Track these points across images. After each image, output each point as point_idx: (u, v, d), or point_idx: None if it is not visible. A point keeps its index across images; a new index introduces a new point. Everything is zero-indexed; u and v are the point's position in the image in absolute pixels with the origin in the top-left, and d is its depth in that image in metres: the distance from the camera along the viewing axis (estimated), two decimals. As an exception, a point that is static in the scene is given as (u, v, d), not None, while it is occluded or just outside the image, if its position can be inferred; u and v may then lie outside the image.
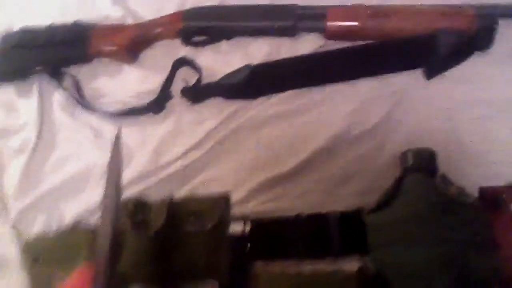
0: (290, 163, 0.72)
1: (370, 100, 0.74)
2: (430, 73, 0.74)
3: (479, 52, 0.73)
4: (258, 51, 0.80)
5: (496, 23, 0.72)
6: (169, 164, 0.75)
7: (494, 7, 0.76)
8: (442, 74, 0.74)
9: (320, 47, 0.78)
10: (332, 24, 0.75)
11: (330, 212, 0.65)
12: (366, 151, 0.72)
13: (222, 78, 0.77)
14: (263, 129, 0.75)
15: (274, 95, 0.77)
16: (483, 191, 0.63)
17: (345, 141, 0.72)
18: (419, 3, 0.77)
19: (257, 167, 0.73)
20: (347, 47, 0.76)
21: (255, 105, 0.76)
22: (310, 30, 0.78)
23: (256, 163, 0.74)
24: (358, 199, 0.69)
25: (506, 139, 0.69)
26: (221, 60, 0.80)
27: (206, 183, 0.74)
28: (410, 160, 0.62)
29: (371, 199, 0.66)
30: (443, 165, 0.61)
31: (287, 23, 0.77)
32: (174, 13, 0.81)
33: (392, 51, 0.74)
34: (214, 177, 0.74)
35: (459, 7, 0.75)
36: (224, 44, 0.81)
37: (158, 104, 0.78)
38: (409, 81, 0.74)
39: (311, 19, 0.77)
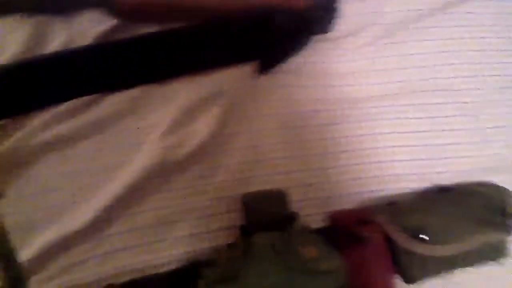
0: (85, 214, 0.48)
1: (191, 108, 0.54)
2: (264, 66, 0.56)
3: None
4: (9, 38, 0.50)
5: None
6: None
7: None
8: (276, 67, 0.57)
9: (111, 30, 0.52)
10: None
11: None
12: (188, 183, 0.52)
13: None
14: (33, 166, 0.49)
15: (43, 110, 0.50)
16: (335, 220, 0.53)
17: (160, 173, 0.51)
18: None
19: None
20: (151, 33, 0.52)
21: (12, 129, 0.49)
22: (93, 4, 0.52)
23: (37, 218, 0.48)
24: (187, 247, 0.51)
25: (361, 147, 0.58)
26: None
27: None
28: (256, 210, 0.45)
29: (204, 245, 0.52)
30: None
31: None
32: None
33: (213, 36, 0.54)
34: None
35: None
36: None
37: None
38: (238, 77, 0.56)
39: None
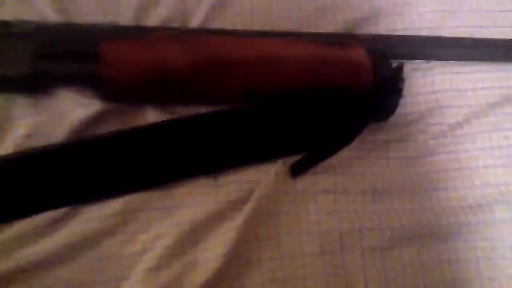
0: None
1: (197, 225, 0.39)
2: (303, 164, 0.41)
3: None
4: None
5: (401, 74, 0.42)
6: None
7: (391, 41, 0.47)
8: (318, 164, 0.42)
9: (94, 117, 0.39)
10: (114, 71, 0.37)
11: None
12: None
13: None
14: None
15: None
16: None
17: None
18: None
19: None
20: (152, 123, 0.39)
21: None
22: (72, 82, 0.39)
23: None
24: None
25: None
26: None
27: None
28: None
29: None
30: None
31: (18, 68, 0.36)
32: None
33: (236, 125, 0.40)
34: None
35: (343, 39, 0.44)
36: None
37: None
38: (265, 181, 0.41)
39: (74, 61, 0.37)
